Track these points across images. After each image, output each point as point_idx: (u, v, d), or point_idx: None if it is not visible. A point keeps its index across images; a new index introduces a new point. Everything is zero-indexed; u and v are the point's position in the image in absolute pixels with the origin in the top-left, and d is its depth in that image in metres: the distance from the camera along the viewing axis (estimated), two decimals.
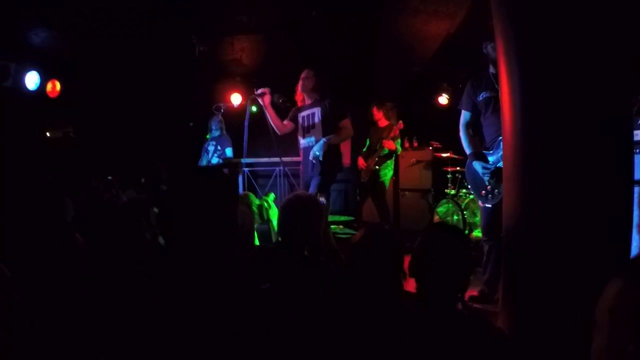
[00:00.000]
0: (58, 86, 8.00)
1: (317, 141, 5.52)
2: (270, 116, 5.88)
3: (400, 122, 8.14)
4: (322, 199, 4.59)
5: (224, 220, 1.72)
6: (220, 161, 8.42)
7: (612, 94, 2.37)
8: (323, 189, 5.42)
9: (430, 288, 2.24)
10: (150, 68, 8.82)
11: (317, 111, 5.66)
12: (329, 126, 5.57)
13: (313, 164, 5.53)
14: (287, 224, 3.10)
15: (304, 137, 5.80)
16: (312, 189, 5.44)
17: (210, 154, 8.54)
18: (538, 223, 2.43)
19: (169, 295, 1.65)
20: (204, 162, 8.53)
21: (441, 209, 7.93)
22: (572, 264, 2.31)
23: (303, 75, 5.74)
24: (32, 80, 7.48)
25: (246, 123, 6.39)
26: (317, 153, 5.38)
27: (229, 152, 8.51)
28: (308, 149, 5.67)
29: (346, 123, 5.61)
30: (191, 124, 9.74)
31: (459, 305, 2.32)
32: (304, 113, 5.81)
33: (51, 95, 7.96)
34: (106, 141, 9.25)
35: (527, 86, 2.47)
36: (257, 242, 5.12)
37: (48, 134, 9.47)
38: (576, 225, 2.33)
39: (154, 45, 7.98)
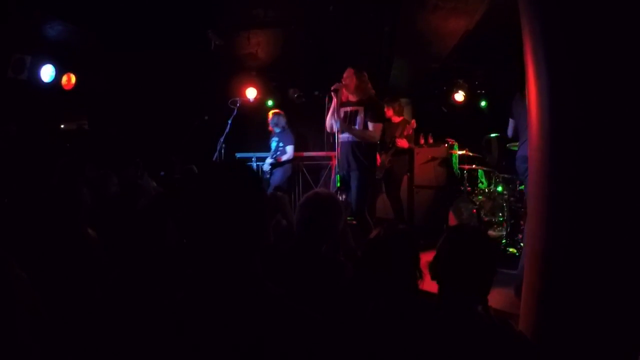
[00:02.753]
0: (73, 79, 7.99)
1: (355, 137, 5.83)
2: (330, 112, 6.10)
3: (413, 121, 8.09)
4: (343, 197, 4.57)
5: (250, 221, 1.60)
6: (273, 161, 8.58)
7: None
8: (364, 187, 5.74)
9: (451, 290, 2.21)
10: (165, 62, 8.80)
11: (360, 111, 5.88)
12: (367, 127, 5.85)
13: (350, 159, 5.81)
14: (305, 222, 3.06)
15: (343, 132, 5.98)
16: (353, 187, 5.73)
17: (272, 151, 8.65)
18: (565, 226, 2.37)
19: (192, 293, 1.60)
20: (267, 160, 8.67)
21: (455, 207, 7.86)
22: (598, 269, 2.26)
23: (345, 75, 5.95)
24: (47, 73, 7.47)
25: None
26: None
27: (289, 149, 8.61)
28: (346, 143, 5.92)
29: (378, 127, 5.87)
30: (206, 117, 9.74)
31: (480, 308, 2.28)
32: (348, 109, 6.01)
33: (66, 88, 7.94)
34: (121, 134, 9.26)
35: (557, 87, 2.40)
36: None
37: (62, 126, 9.50)
38: (604, 228, 2.27)
39: (170, 39, 7.95)
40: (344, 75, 5.98)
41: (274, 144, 8.68)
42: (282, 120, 8.71)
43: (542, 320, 2.49)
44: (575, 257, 2.34)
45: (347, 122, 5.93)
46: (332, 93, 5.94)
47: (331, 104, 6.03)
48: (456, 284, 2.20)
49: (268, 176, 8.57)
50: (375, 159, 5.98)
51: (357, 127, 5.87)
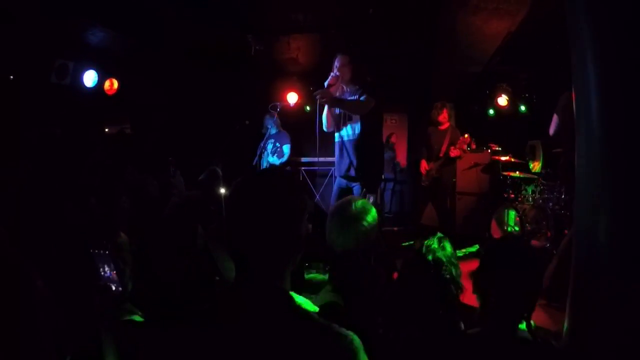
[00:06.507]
0: (116, 84, 8.10)
1: (353, 132, 5.08)
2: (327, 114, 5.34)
3: (468, 135, 7.87)
4: (372, 198, 4.37)
5: (289, 228, 1.53)
6: (277, 160, 8.44)
7: None
8: (369, 191, 4.96)
9: (494, 307, 2.07)
10: (206, 66, 8.86)
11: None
12: (369, 115, 5.06)
13: (349, 162, 5.09)
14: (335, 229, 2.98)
15: (339, 129, 5.26)
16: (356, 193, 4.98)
17: (268, 152, 8.52)
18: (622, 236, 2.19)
19: (218, 304, 1.53)
20: (263, 161, 8.48)
21: (498, 215, 7.66)
22: None
23: (339, 63, 5.13)
24: (89, 78, 7.59)
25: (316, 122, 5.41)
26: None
27: (286, 149, 8.49)
28: (347, 142, 5.16)
29: (368, 101, 5.03)
30: (247, 122, 9.76)
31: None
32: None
33: (109, 93, 8.06)
34: (162, 138, 9.34)
35: (606, 88, 2.24)
36: None
37: (107, 130, 9.65)
38: None
39: (210, 44, 8.00)
40: (337, 64, 5.11)
41: (269, 145, 8.46)
42: (278, 120, 8.37)
43: (588, 341, 2.33)
44: (628, 273, 2.18)
45: (344, 119, 5.14)
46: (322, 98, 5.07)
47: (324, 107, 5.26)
48: (499, 300, 2.06)
49: None
50: (376, 163, 5.21)
51: (357, 123, 5.04)
